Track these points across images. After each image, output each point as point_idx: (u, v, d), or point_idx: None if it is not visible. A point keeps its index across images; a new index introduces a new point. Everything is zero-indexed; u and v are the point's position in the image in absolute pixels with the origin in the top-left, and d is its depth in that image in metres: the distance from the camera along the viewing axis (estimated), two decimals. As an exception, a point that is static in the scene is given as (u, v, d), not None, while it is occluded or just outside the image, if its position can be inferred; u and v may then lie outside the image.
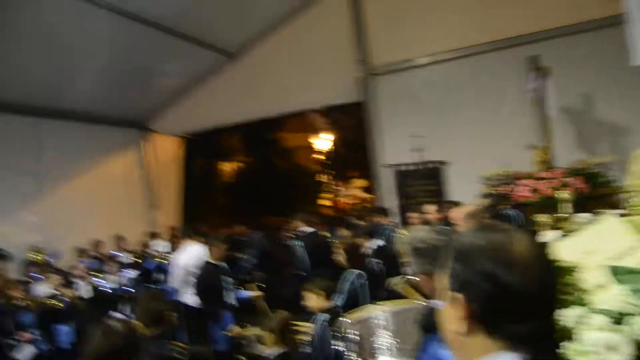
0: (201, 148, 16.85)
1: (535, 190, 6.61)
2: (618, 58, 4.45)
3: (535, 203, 6.54)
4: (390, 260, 6.22)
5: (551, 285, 1.14)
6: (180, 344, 2.82)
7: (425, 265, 2.26)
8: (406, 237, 2.53)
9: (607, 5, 6.37)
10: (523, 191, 6.70)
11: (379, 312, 3.18)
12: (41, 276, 6.85)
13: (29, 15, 7.07)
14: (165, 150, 11.81)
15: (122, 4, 7.64)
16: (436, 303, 3.11)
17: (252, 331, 4.85)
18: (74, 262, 7.85)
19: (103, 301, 6.99)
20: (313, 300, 4.21)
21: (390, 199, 9.25)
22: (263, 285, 7.67)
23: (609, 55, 6.90)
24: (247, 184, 18.90)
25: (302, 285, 5.82)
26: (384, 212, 8.08)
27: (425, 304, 3.26)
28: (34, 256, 7.63)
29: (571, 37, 7.89)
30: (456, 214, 3.84)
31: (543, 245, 1.22)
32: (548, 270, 1.15)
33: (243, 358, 4.99)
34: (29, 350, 5.63)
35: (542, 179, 6.68)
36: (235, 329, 5.31)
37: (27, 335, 5.76)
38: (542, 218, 4.87)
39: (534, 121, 7.65)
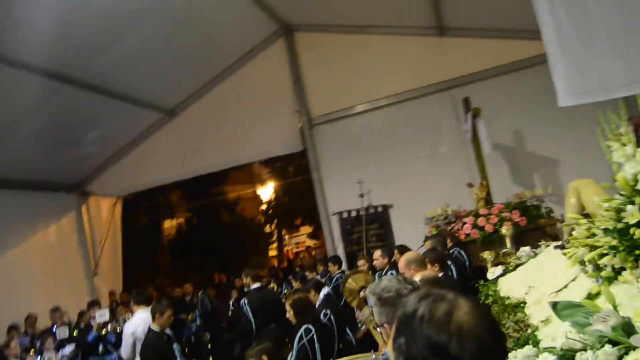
0: (142, 207, 16.47)
1: (477, 227, 6.78)
2: (545, 95, 4.66)
3: (478, 240, 6.70)
4: (338, 310, 6.15)
5: (500, 352, 1.10)
6: None
7: (390, 315, 2.21)
8: (371, 286, 2.49)
9: (532, 45, 6.74)
10: (466, 229, 6.85)
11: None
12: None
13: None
14: (103, 212, 11.37)
15: (53, 67, 7.44)
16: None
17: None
18: (5, 341, 7.28)
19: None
20: None
21: (337, 245, 9.24)
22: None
23: (536, 93, 7.25)
24: (192, 240, 18.50)
25: (248, 345, 5.65)
26: (335, 260, 8.04)
27: (380, 356, 3.21)
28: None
29: (499, 78, 8.31)
30: (400, 263, 3.84)
31: (488, 312, 1.16)
32: (496, 337, 1.10)
33: None
34: None
35: (483, 215, 6.87)
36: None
37: None
38: (486, 255, 4.96)
39: (470, 159, 7.94)
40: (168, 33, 8.05)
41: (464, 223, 6.94)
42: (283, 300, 6.59)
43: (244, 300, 6.97)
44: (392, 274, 5.85)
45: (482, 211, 6.97)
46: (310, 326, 4.66)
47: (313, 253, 16.24)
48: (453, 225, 7.13)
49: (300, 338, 4.59)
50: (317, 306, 5.80)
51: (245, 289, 7.54)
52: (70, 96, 8.24)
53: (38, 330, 8.13)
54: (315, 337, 4.62)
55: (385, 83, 9.04)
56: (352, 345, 5.62)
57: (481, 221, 6.79)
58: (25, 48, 6.92)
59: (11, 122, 8.05)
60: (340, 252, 9.07)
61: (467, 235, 6.80)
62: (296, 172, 19.63)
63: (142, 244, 15.88)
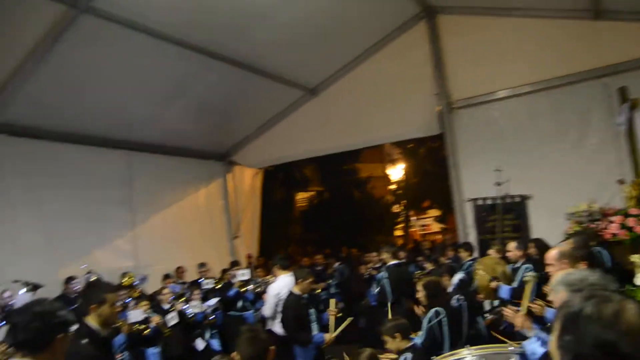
0: (279, 179, 17.39)
1: (625, 228, 6.33)
2: None
3: (626, 241, 6.26)
4: (471, 297, 6.15)
5: None
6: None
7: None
8: (561, 277, 2.49)
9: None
10: (613, 228, 6.42)
11: (469, 357, 3.13)
12: (131, 300, 7.26)
13: (124, 58, 7.72)
14: (246, 181, 12.29)
15: (205, 44, 8.16)
16: (530, 347, 3.08)
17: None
18: (160, 288, 8.24)
19: (188, 327, 7.30)
20: (390, 343, 4.26)
21: (469, 232, 9.11)
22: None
23: None
24: (322, 214, 19.13)
25: (380, 317, 5.86)
26: (467, 247, 8.00)
27: (518, 348, 3.21)
28: (126, 281, 8.08)
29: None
30: (549, 254, 3.73)
31: None
32: None
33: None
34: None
35: (633, 215, 6.39)
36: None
37: (119, 356, 6.10)
38: (636, 258, 4.67)
39: (622, 155, 7.37)
40: (311, 16, 8.36)
41: (611, 222, 6.50)
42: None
43: (383, 274, 7.22)
44: (527, 268, 5.72)
45: (633, 211, 6.47)
46: (441, 309, 4.74)
47: (441, 238, 16.05)
48: (598, 223, 6.71)
49: (430, 320, 4.70)
50: (449, 291, 5.86)
51: (384, 265, 7.77)
52: (224, 73, 8.98)
53: (187, 281, 9.11)
54: (444, 320, 4.70)
55: (530, 69, 8.62)
56: (481, 333, 5.62)
57: (631, 221, 6.32)
58: (190, 30, 7.68)
59: (171, 95, 9.00)
60: (472, 239, 8.93)
61: (614, 235, 6.38)
62: (428, 154, 19.40)
63: (276, 214, 16.81)
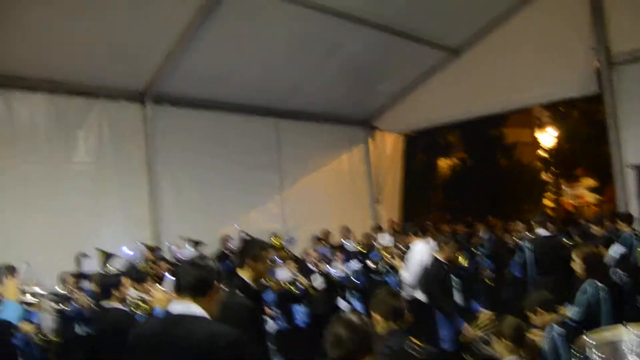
0: (421, 145, 17.10)
1: None
2: None
3: None
4: (634, 273, 5.59)
5: None
6: (417, 342, 2.92)
7: None
8: None
9: None
10: None
11: (631, 336, 2.85)
12: (280, 260, 7.67)
13: (272, 29, 8.00)
14: (388, 147, 12.26)
15: (349, 10, 8.11)
16: None
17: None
18: (307, 249, 8.61)
19: (333, 288, 7.56)
20: (534, 318, 4.02)
21: (631, 202, 8.22)
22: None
23: None
24: (466, 182, 18.50)
25: (523, 291, 5.55)
26: (627, 218, 7.24)
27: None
28: (275, 242, 8.54)
29: None
30: None
31: None
32: None
33: (471, 360, 4.94)
34: (271, 326, 6.37)
35: None
36: (468, 331, 5.28)
37: (270, 312, 6.52)
38: None
39: None
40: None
41: None
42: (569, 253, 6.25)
43: (528, 245, 6.87)
44: None
45: None
46: (598, 282, 4.37)
47: (597, 210, 14.75)
48: None
49: (584, 292, 4.36)
50: (610, 264, 5.39)
51: (531, 236, 7.38)
52: (368, 38, 8.93)
53: (333, 244, 9.41)
54: (601, 294, 4.33)
55: None
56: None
57: None
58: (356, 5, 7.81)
59: (313, 62, 9.19)
60: (634, 210, 8.04)
61: None
62: (581, 117, 17.76)
63: (418, 180, 16.61)
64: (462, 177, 19.18)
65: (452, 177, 20.17)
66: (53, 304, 5.34)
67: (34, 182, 7.02)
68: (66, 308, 5.56)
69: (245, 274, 3.64)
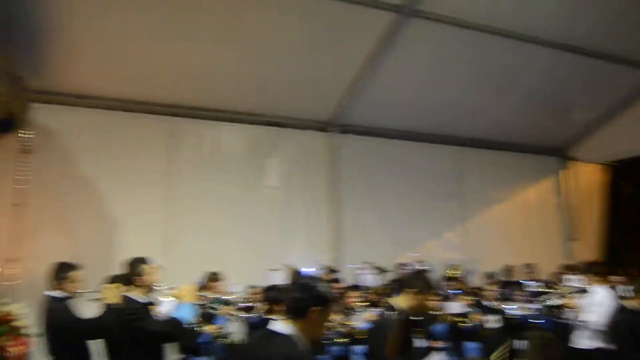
0: (630, 176, 15.07)
1: None
2: None
3: None
4: None
5: None
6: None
7: None
8: None
9: None
10: None
11: None
12: (456, 292, 7.43)
13: (450, 56, 7.92)
14: (586, 178, 11.15)
15: (531, 32, 7.67)
16: None
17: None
18: (484, 285, 8.19)
19: (510, 328, 7.06)
20: None
21: None
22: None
23: None
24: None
25: None
26: None
27: None
28: (452, 273, 8.32)
29: None
30: None
31: None
32: None
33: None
34: (439, 358, 6.17)
35: None
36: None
37: (439, 344, 6.33)
38: None
39: None
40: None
41: None
42: None
43: None
44: None
45: None
46: None
47: None
48: None
49: None
50: None
51: None
52: (553, 60, 8.32)
53: (513, 281, 8.80)
54: None
55: None
56: None
57: None
58: (514, 20, 7.42)
59: (500, 90, 8.90)
60: None
61: None
62: None
63: (628, 216, 14.60)
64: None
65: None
66: (238, 312, 6.00)
67: (231, 201, 8.13)
68: (249, 315, 6.14)
69: (400, 302, 3.81)
